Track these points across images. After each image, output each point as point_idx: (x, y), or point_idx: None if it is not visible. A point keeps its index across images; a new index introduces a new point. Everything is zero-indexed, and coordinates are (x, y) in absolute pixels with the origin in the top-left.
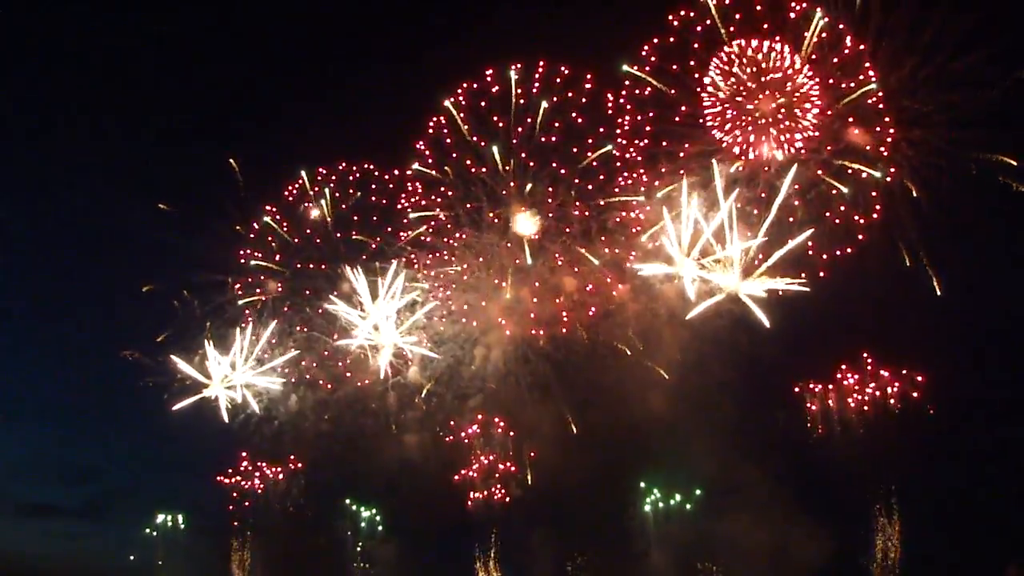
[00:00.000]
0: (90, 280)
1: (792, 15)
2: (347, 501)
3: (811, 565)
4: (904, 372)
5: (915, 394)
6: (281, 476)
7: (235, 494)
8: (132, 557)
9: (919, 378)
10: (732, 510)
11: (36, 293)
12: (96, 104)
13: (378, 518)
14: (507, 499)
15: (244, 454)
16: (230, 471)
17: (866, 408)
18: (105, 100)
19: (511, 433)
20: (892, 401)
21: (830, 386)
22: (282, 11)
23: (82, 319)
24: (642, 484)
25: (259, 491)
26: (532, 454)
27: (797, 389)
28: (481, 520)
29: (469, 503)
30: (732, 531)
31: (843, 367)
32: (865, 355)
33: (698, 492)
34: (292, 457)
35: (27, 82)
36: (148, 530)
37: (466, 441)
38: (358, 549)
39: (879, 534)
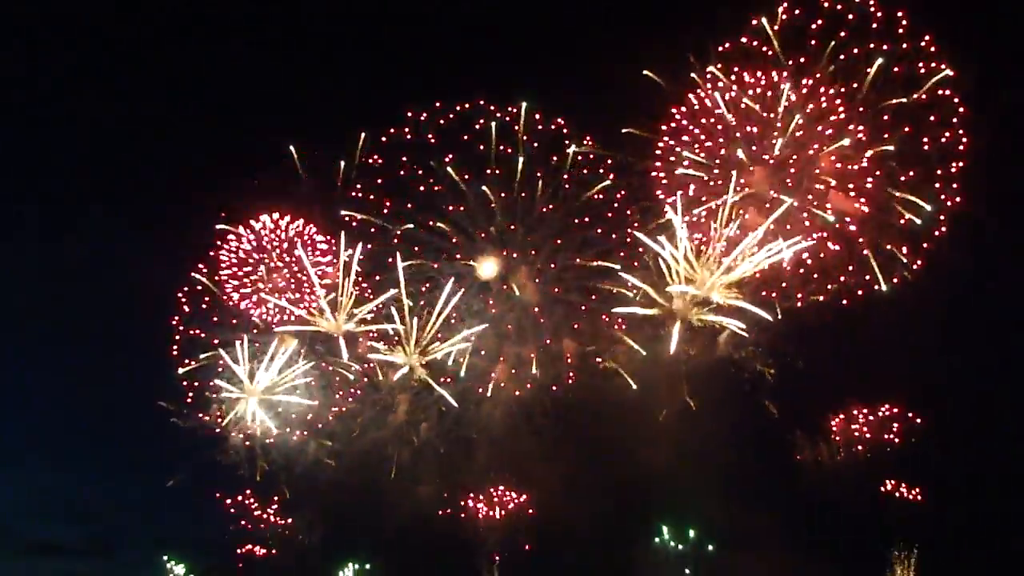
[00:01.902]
0: (93, 317)
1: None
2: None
3: None
4: (904, 413)
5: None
6: (290, 522)
7: (241, 544)
8: None
9: (918, 420)
10: (739, 553)
11: (37, 328)
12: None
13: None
14: (513, 551)
15: (251, 498)
16: (238, 514)
17: (869, 453)
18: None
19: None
20: (896, 440)
21: (832, 427)
22: None
23: (85, 356)
24: (649, 529)
25: (266, 535)
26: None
27: (799, 432)
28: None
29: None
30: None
31: (843, 409)
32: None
33: (704, 535)
34: (299, 505)
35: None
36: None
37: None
38: None
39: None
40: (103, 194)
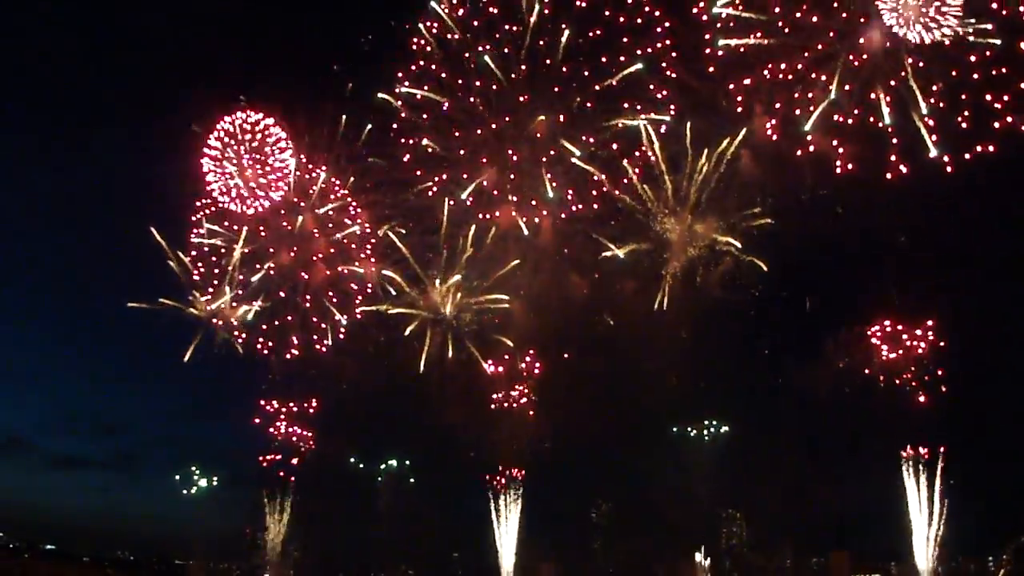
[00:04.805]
0: (113, 237)
1: None
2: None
3: (830, 512)
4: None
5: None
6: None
7: (268, 452)
8: None
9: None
10: (754, 460)
11: (58, 251)
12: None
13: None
14: (533, 450)
15: (276, 405)
16: (263, 422)
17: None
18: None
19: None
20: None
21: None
22: None
23: (102, 273)
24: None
25: (297, 443)
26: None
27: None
28: (507, 470)
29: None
30: (754, 480)
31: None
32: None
33: (721, 444)
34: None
35: None
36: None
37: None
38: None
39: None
40: None
